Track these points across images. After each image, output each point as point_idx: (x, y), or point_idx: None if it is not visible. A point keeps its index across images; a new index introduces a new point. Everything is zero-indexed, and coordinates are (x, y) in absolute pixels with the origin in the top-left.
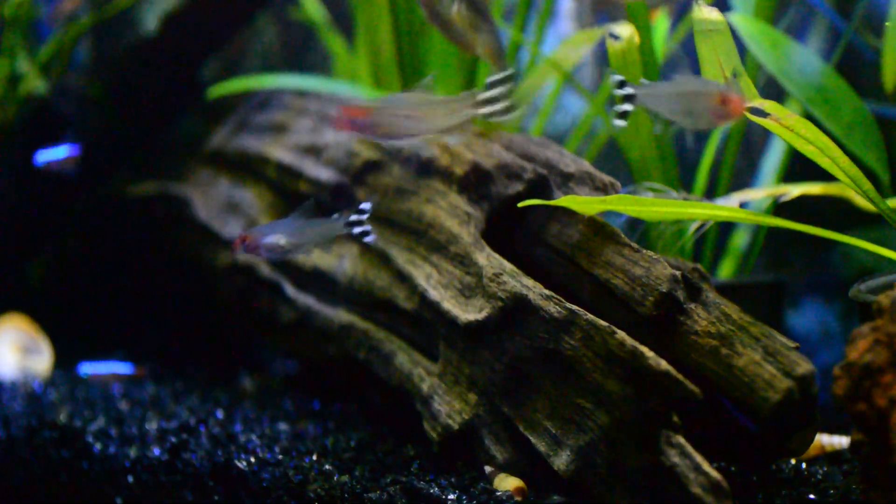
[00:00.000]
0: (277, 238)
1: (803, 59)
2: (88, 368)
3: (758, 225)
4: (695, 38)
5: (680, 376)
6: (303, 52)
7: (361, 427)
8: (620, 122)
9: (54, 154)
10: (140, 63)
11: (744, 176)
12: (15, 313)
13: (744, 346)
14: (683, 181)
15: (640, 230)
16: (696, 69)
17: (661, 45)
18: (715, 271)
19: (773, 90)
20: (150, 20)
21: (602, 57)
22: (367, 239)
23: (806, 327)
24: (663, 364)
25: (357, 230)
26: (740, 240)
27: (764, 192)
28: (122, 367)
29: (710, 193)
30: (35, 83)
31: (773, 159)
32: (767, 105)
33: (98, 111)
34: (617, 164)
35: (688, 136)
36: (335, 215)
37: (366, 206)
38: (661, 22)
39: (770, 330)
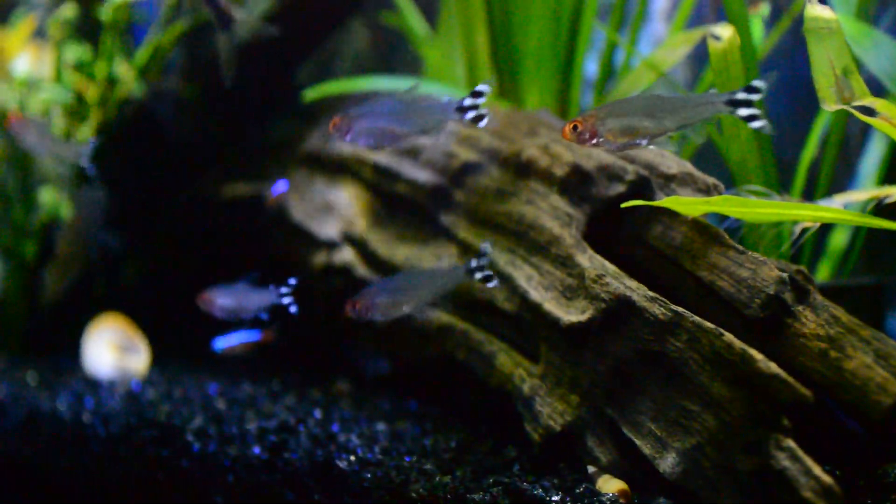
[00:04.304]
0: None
1: None
2: (222, 343)
3: (857, 227)
4: (806, 36)
5: (791, 379)
6: (393, 54)
7: (459, 428)
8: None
9: None
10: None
11: (839, 178)
12: (112, 312)
13: (854, 348)
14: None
15: (738, 236)
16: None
17: (759, 40)
18: (812, 273)
19: (874, 90)
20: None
21: (695, 57)
22: None
23: None
24: (773, 367)
25: None
26: (838, 241)
27: (867, 193)
28: (250, 336)
29: (808, 196)
30: (132, 86)
31: (871, 161)
32: (879, 104)
33: (193, 113)
34: (710, 167)
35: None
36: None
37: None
38: (756, 18)
39: (881, 333)
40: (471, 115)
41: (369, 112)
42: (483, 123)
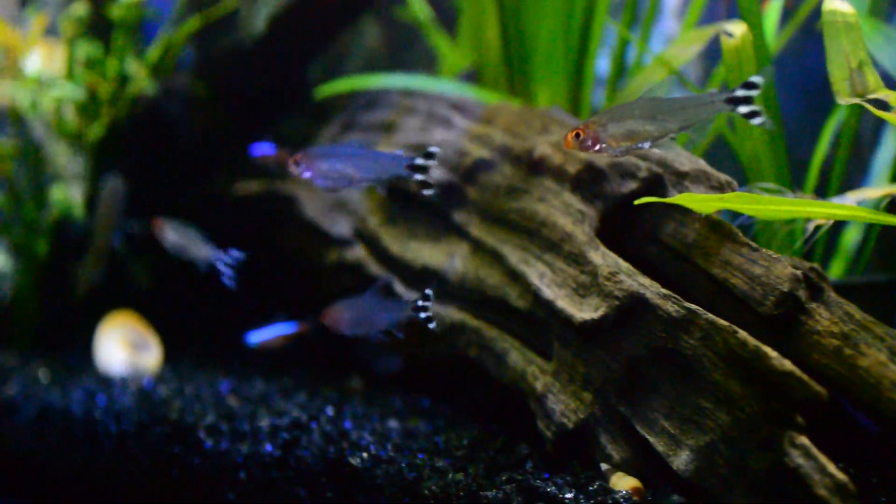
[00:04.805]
0: None
1: None
2: (255, 337)
3: (870, 224)
4: (822, 29)
5: (805, 376)
6: (404, 52)
7: (471, 425)
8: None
9: None
10: (246, 64)
11: (852, 175)
12: (124, 310)
13: (868, 346)
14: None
15: (750, 233)
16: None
17: (771, 38)
18: (825, 271)
19: (887, 87)
20: (257, 22)
21: (707, 54)
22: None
23: None
24: (787, 364)
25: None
26: (851, 239)
27: (881, 190)
28: (286, 328)
29: (820, 193)
30: (144, 83)
31: (884, 157)
32: (893, 97)
33: (204, 111)
34: (723, 164)
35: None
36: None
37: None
38: (770, 13)
39: (894, 330)
40: (419, 177)
41: (329, 154)
42: (429, 192)
